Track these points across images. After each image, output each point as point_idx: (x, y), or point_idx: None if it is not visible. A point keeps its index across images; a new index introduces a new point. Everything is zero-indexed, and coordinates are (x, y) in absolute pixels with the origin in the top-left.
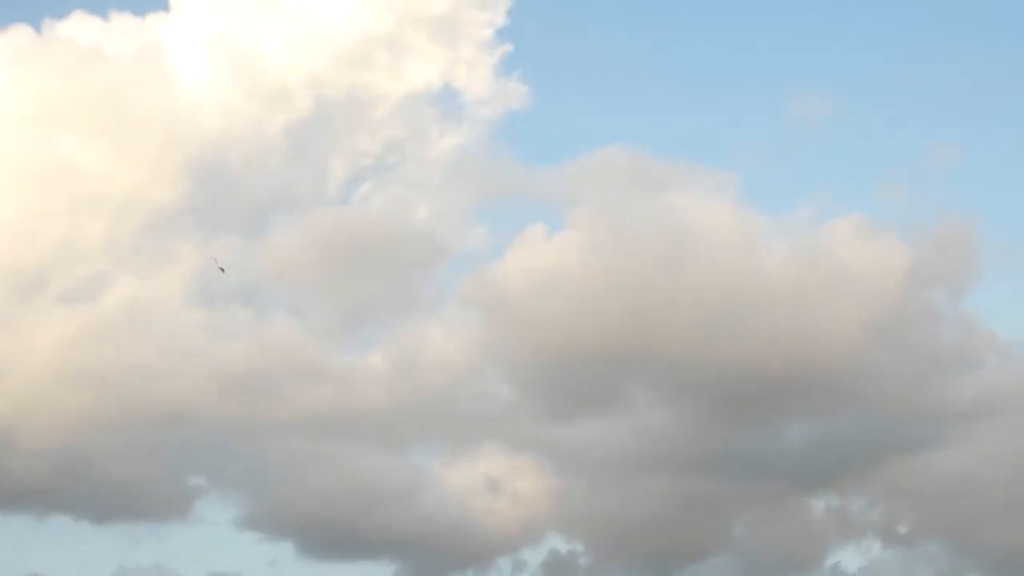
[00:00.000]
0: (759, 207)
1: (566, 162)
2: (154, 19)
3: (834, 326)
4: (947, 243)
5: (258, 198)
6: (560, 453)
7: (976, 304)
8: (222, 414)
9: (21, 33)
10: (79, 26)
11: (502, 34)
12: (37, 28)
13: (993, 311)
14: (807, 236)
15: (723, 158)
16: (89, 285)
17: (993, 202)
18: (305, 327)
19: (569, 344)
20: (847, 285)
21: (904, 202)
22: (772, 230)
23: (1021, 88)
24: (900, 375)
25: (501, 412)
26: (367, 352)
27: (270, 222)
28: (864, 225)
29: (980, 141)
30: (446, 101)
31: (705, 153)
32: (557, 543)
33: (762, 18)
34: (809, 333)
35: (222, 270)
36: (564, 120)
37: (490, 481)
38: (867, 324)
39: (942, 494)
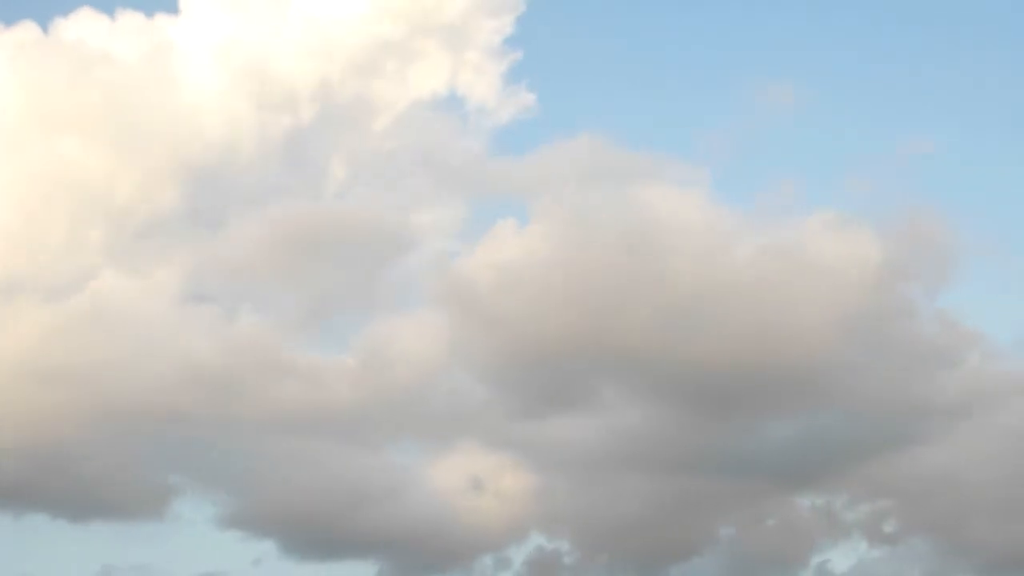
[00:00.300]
0: (728, 199)
1: (531, 153)
2: (163, 20)
3: (808, 321)
4: (922, 237)
5: (256, 202)
6: (538, 451)
7: (953, 299)
8: (193, 412)
9: (28, 31)
10: (86, 24)
11: (511, 42)
12: (45, 26)
13: (970, 306)
14: (778, 228)
15: (689, 149)
16: (70, 284)
17: (968, 196)
18: (273, 323)
19: (541, 340)
20: (820, 279)
21: (876, 195)
22: (742, 222)
23: (993, 79)
24: (878, 371)
25: (475, 409)
26: (336, 348)
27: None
28: (836, 218)
29: (952, 133)
30: (452, 108)
31: (670, 143)
32: (540, 541)
33: (726, 7)
34: (783, 328)
35: None
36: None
37: (471, 480)
38: (842, 319)
39: (928, 492)
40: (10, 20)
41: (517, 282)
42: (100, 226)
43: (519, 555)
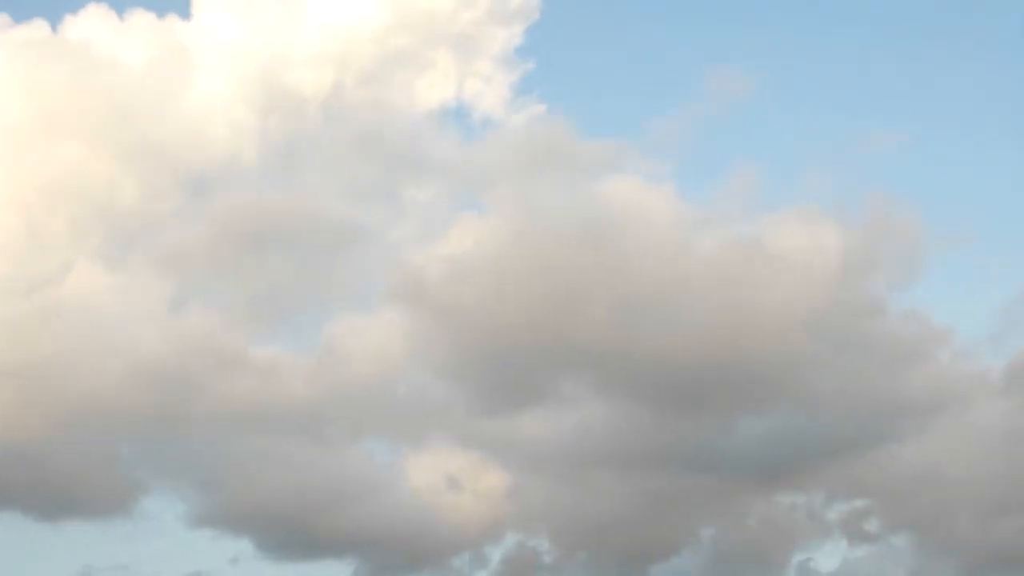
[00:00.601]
0: (688, 189)
1: (482, 140)
2: (174, 22)
3: (775, 316)
4: (889, 231)
5: (254, 209)
6: (509, 448)
7: (920, 294)
8: (150, 409)
9: (37, 29)
10: (95, 22)
11: (521, 52)
12: (55, 23)
13: (938, 301)
14: (740, 221)
15: (646, 138)
16: (42, 282)
17: (933, 190)
18: (227, 318)
19: (500, 336)
20: (786, 273)
21: (839, 188)
22: (703, 214)
23: (958, 71)
24: (848, 368)
25: (439, 406)
26: (293, 344)
27: None
28: (800, 211)
29: (917, 127)
30: (460, 118)
31: (626, 133)
32: (518, 540)
33: None
34: (748, 323)
35: None
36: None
37: (445, 478)
38: (809, 315)
39: (906, 490)
40: (21, 16)
41: (474, 275)
42: (85, 227)
43: (496, 553)
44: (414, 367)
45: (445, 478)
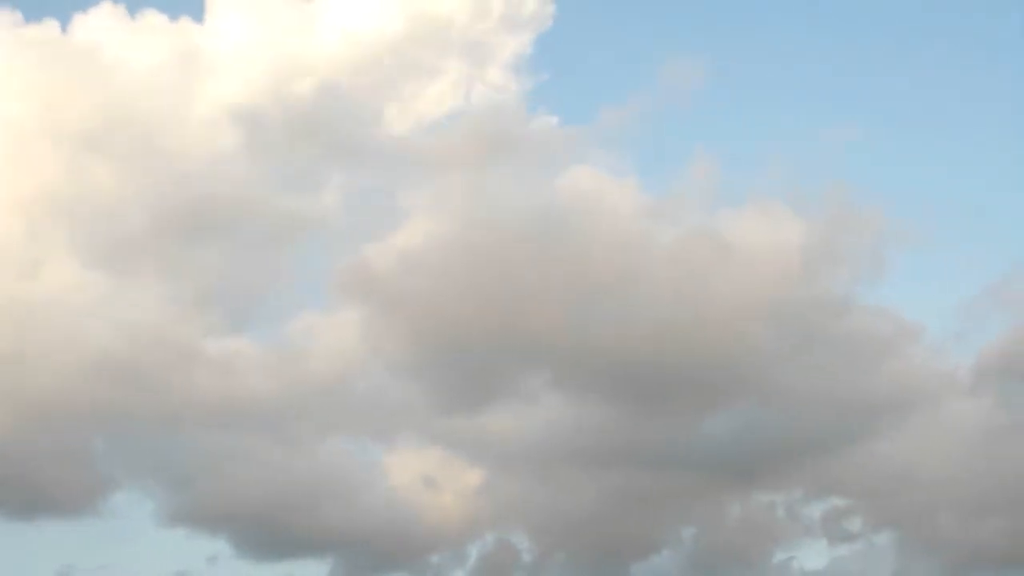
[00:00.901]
0: (645, 180)
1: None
2: (186, 25)
3: (734, 310)
4: (854, 226)
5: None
6: (480, 446)
7: (884, 292)
8: (106, 404)
9: (47, 29)
10: (106, 22)
11: (532, 61)
12: (65, 22)
13: (900, 296)
14: (701, 212)
15: (597, 126)
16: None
17: (891, 185)
18: (179, 311)
19: (458, 331)
20: (745, 266)
21: (797, 179)
22: (658, 204)
23: (921, 65)
24: (814, 364)
25: (402, 404)
26: (249, 338)
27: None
28: (760, 203)
29: (875, 118)
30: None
31: (576, 120)
32: (496, 538)
33: None
34: (708, 316)
35: None
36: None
37: (418, 476)
38: (772, 309)
39: (884, 487)
40: (33, 15)
41: (425, 268)
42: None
43: (475, 552)
44: (371, 363)
45: (419, 476)
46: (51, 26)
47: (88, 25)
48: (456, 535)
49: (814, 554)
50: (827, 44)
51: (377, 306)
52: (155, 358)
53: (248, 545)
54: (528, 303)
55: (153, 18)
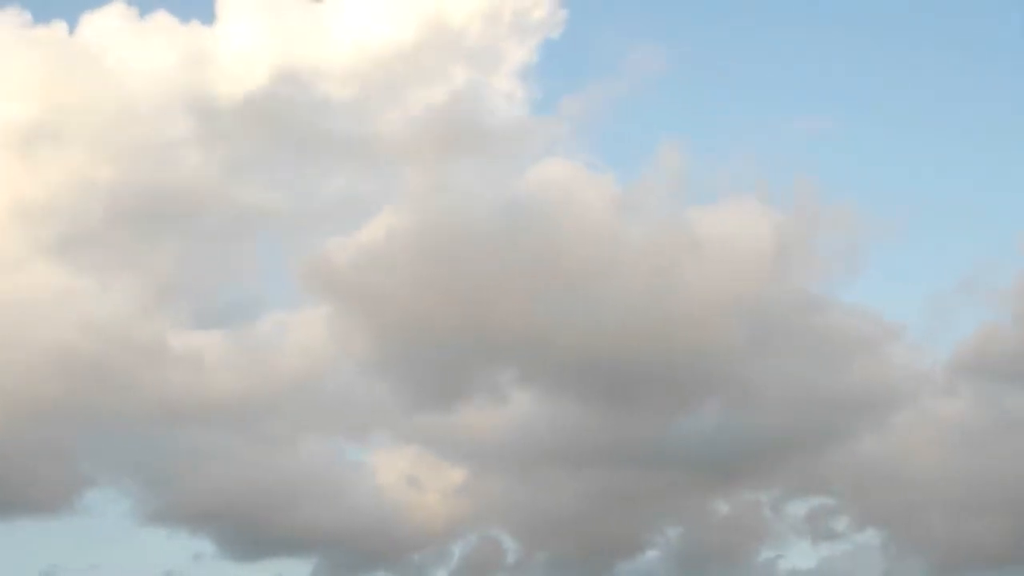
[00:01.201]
0: (609, 170)
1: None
2: (196, 28)
3: (706, 306)
4: (822, 218)
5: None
6: (456, 445)
7: (860, 285)
8: (76, 403)
9: (55, 30)
10: (115, 22)
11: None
12: (73, 22)
13: (876, 291)
14: (667, 203)
15: (559, 116)
16: None
17: (866, 178)
18: (139, 307)
19: (424, 328)
20: (714, 262)
21: (765, 172)
22: (624, 194)
23: (892, 57)
24: (788, 360)
25: (375, 401)
26: (216, 335)
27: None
28: (730, 197)
29: (847, 110)
30: None
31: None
32: (479, 537)
33: None
34: (680, 313)
35: None
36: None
37: (399, 475)
38: (747, 306)
39: (867, 486)
40: (41, 15)
41: (390, 264)
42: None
43: (457, 551)
44: (339, 360)
45: (400, 476)
46: (58, 28)
47: (97, 26)
48: (439, 534)
49: (799, 553)
50: (799, 35)
51: (343, 302)
52: (121, 354)
53: (230, 544)
54: (492, 300)
55: (163, 20)
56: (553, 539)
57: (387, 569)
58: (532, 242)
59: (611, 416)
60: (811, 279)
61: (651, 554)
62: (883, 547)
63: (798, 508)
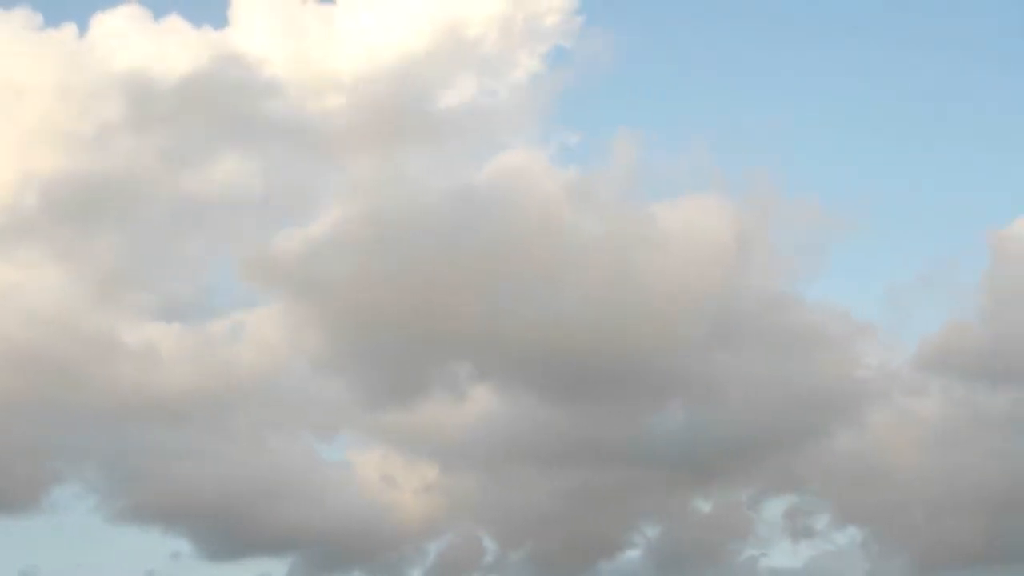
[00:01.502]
0: (565, 160)
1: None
2: (209, 33)
3: (664, 301)
4: (786, 216)
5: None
6: (421, 442)
7: (824, 280)
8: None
9: (66, 33)
10: (127, 24)
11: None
12: (84, 24)
13: (838, 289)
14: (623, 195)
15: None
16: None
17: (825, 172)
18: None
19: (375, 323)
20: (671, 256)
21: (725, 167)
22: (579, 183)
23: (839, 39)
24: (753, 358)
25: (333, 398)
26: (165, 329)
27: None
28: (688, 190)
29: (802, 103)
30: None
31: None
32: (457, 536)
33: None
34: (637, 308)
35: None
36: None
37: (373, 473)
38: (704, 301)
39: (845, 484)
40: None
41: (337, 257)
42: None
43: (434, 549)
44: (293, 355)
45: (374, 473)
46: (68, 30)
47: (109, 27)
48: (415, 533)
49: (780, 552)
50: (759, 29)
51: (292, 296)
52: (72, 348)
53: (206, 543)
54: (451, 299)
55: (176, 23)
56: (530, 538)
57: (364, 568)
58: (485, 233)
59: (575, 413)
60: (773, 275)
61: (631, 553)
62: (863, 545)
63: (776, 506)
